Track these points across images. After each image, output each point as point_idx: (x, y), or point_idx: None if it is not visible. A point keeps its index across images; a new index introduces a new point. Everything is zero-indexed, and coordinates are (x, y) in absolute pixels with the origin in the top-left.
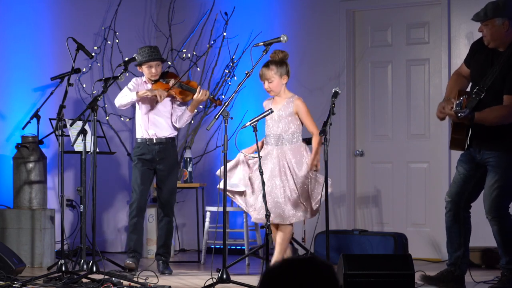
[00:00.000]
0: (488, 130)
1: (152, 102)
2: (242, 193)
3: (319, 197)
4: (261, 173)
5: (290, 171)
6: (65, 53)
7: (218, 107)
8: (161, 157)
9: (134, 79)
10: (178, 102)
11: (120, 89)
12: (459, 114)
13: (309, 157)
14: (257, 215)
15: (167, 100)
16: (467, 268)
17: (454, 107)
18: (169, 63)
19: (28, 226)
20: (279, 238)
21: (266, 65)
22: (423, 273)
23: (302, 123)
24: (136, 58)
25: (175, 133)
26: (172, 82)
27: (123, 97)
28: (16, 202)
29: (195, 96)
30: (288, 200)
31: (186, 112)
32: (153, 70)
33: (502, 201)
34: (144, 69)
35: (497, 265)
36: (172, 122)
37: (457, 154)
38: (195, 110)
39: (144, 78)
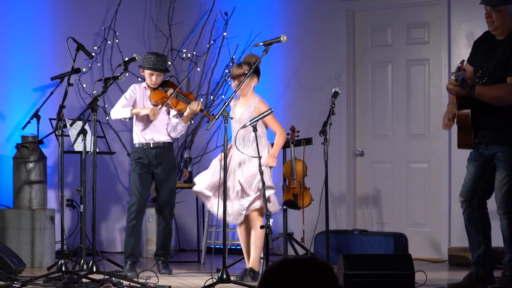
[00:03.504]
0: (494, 124)
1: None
2: (209, 197)
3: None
4: (261, 173)
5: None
6: (65, 53)
7: (217, 108)
8: (158, 161)
9: (132, 87)
10: (175, 113)
11: (120, 89)
12: (458, 78)
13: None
14: (232, 219)
15: (164, 109)
16: (493, 265)
17: (453, 75)
18: (170, 63)
19: (28, 226)
20: (253, 237)
21: (239, 64)
22: (449, 283)
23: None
24: (136, 58)
25: None
26: (170, 91)
27: (118, 112)
28: (16, 202)
29: (188, 106)
30: (236, 197)
31: (180, 123)
32: (154, 78)
33: (511, 195)
34: (146, 74)
35: (498, 265)
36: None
37: (457, 154)
38: (189, 122)
39: (144, 84)
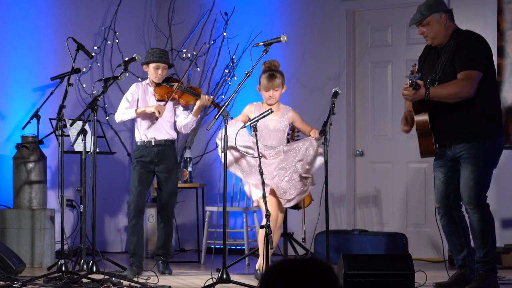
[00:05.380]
0: (453, 124)
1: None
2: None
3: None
4: (261, 173)
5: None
6: (65, 53)
7: None
8: (160, 159)
9: (134, 86)
10: (182, 108)
11: (120, 89)
12: (413, 80)
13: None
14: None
15: (170, 104)
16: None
17: (407, 80)
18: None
19: (28, 226)
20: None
21: (272, 74)
22: (437, 282)
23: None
24: (136, 58)
25: (175, 136)
26: (175, 85)
27: (123, 115)
28: (16, 202)
29: (198, 101)
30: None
31: (190, 117)
32: (160, 72)
33: (480, 189)
34: (151, 69)
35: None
36: (172, 125)
37: None
38: (199, 116)
39: (147, 81)
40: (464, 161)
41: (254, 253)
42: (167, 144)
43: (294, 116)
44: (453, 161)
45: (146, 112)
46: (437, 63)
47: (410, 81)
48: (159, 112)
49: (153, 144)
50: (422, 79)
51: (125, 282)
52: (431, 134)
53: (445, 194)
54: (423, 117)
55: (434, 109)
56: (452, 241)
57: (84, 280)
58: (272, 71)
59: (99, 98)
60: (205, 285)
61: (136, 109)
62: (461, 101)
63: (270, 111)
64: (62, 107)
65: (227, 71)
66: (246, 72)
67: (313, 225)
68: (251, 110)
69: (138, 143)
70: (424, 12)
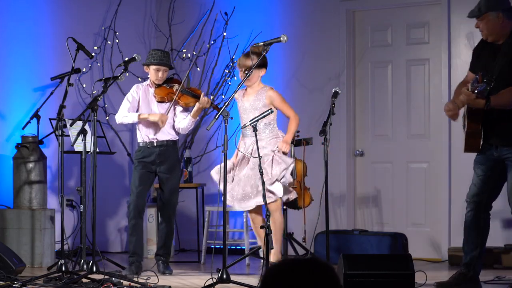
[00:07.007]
0: (503, 126)
1: (152, 110)
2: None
3: (278, 177)
4: (261, 173)
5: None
6: (65, 53)
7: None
8: (162, 159)
9: (134, 88)
10: (181, 108)
11: (120, 89)
12: (476, 90)
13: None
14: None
15: (169, 105)
16: (481, 268)
17: (470, 86)
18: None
19: (28, 226)
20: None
21: (247, 54)
22: (437, 281)
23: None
24: (136, 58)
25: (177, 137)
26: (176, 87)
27: (124, 118)
28: (16, 202)
29: (198, 103)
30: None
31: (189, 118)
32: (160, 74)
33: None
34: (151, 71)
35: (496, 264)
36: (173, 127)
37: (457, 154)
38: (198, 117)
39: (147, 82)
40: (510, 164)
41: (254, 253)
42: (169, 145)
43: (273, 95)
44: (496, 161)
45: (149, 120)
46: (493, 62)
47: (476, 92)
48: (162, 122)
49: (155, 144)
50: (474, 72)
51: (125, 282)
52: (481, 136)
53: (480, 191)
54: (477, 119)
55: (487, 110)
56: (468, 238)
57: (84, 280)
58: (248, 52)
59: (99, 98)
60: (205, 285)
61: (139, 115)
62: None
63: (270, 111)
64: (62, 107)
65: (227, 71)
66: (246, 72)
67: (313, 225)
68: (236, 98)
69: (140, 144)
70: (482, 9)
